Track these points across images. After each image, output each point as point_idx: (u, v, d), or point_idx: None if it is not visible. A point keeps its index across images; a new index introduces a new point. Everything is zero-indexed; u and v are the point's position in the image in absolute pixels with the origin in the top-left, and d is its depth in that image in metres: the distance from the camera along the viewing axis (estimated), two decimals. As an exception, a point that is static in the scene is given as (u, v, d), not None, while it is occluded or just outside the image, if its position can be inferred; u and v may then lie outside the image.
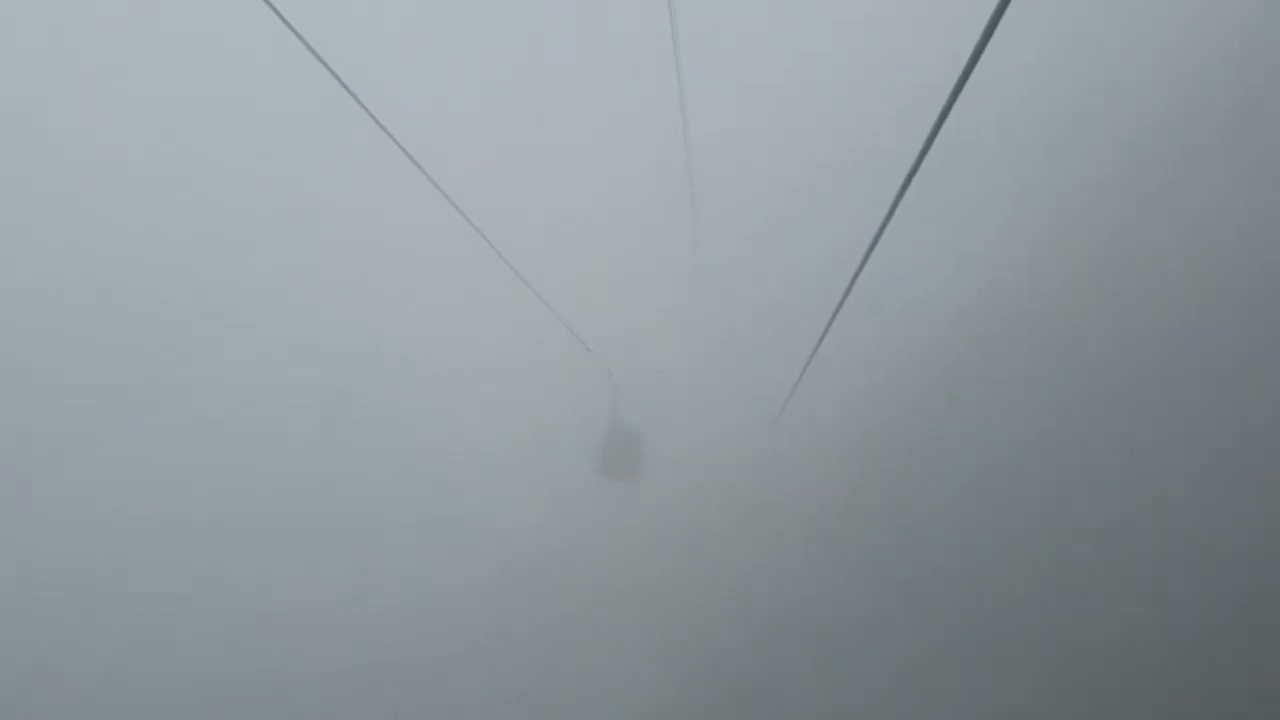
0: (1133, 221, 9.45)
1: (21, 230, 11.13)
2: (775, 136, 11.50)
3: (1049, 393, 9.50)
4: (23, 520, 10.28)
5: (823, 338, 6.87)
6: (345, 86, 4.57)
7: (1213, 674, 7.95)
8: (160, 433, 10.94)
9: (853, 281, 5.48)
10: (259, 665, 9.71)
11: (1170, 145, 9.27)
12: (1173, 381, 8.83)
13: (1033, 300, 9.94)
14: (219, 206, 11.64)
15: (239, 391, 11.42)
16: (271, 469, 11.06)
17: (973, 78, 3.23)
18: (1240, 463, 8.27)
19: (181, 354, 11.43)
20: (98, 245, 11.40)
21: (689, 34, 6.96)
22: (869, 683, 9.02)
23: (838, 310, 6.16)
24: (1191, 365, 8.75)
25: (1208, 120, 9.08)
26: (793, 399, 9.38)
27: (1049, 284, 9.87)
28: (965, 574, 9.19)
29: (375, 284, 11.73)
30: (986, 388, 9.93)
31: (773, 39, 11.47)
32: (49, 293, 11.15)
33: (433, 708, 9.76)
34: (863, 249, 5.03)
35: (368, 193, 11.34)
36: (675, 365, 11.78)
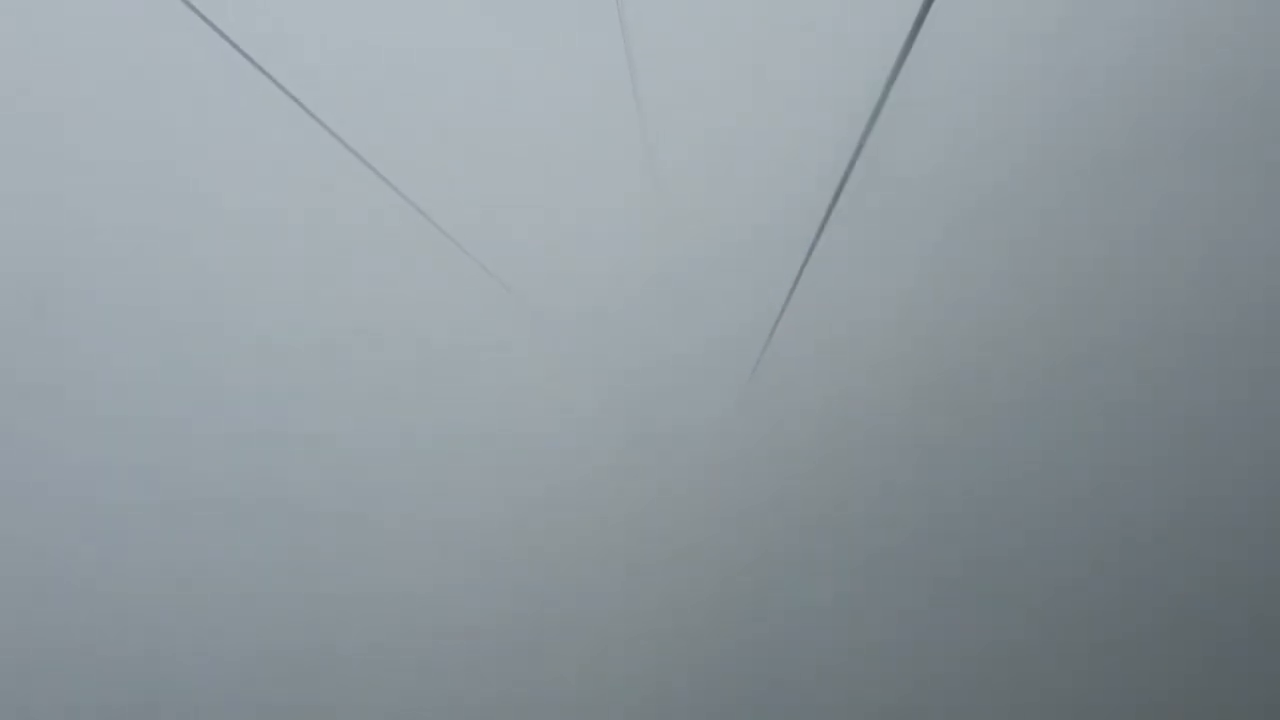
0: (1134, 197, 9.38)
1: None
2: (729, 71, 11.18)
3: (1035, 341, 9.48)
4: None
5: (791, 293, 6.80)
6: (284, 89, 4.34)
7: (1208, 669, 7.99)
8: (126, 429, 10.62)
9: (828, 213, 5.37)
10: (245, 653, 9.61)
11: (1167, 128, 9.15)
12: (1164, 350, 8.84)
13: (1006, 229, 9.86)
14: (156, 203, 11.14)
15: (208, 390, 11.09)
16: (250, 465, 10.81)
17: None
18: (1231, 442, 8.26)
19: (152, 355, 11.07)
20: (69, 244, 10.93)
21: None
22: (841, 664, 9.06)
23: (805, 263, 6.08)
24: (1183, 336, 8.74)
25: (1198, 103, 8.96)
26: (766, 355, 9.29)
27: (1023, 210, 9.79)
28: (948, 541, 9.20)
29: (328, 280, 11.37)
30: (961, 343, 9.89)
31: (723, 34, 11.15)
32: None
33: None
34: (836, 176, 4.89)
35: (311, 188, 10.89)
36: (639, 324, 11.61)
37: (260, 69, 4.33)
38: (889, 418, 10.03)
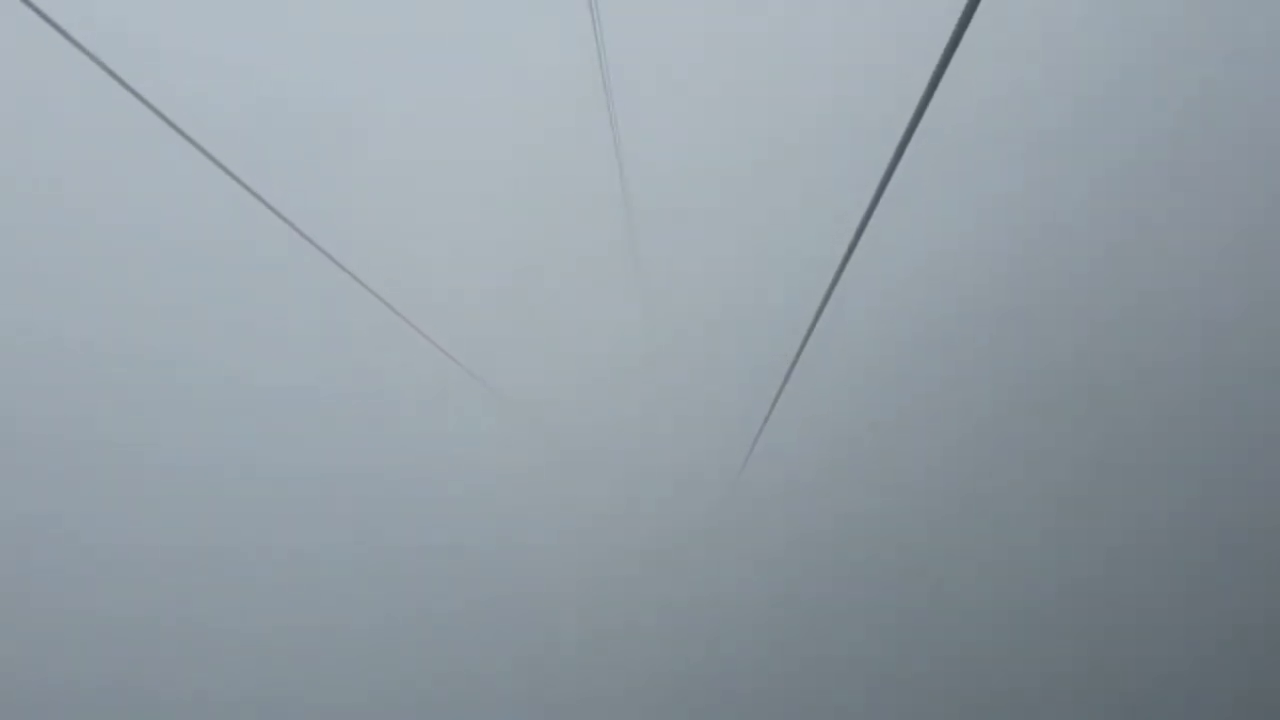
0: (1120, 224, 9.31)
1: None
2: (716, 178, 11.17)
3: (1024, 439, 9.32)
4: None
5: (785, 382, 6.50)
6: (248, 187, 4.12)
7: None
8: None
9: (816, 316, 5.10)
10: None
11: (1168, 139, 9.10)
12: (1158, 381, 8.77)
13: (1003, 328, 9.77)
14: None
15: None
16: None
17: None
18: (1234, 454, 8.25)
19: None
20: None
21: (619, 76, 6.74)
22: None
23: (796, 358, 5.80)
24: (1183, 358, 8.66)
25: (1206, 113, 8.92)
26: (757, 449, 9.01)
27: (1023, 304, 9.72)
28: (943, 660, 8.81)
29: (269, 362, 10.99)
30: (963, 436, 9.68)
31: (706, 80, 11.15)
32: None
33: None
34: (826, 279, 4.69)
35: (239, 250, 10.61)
36: (622, 419, 11.29)
37: (222, 167, 4.11)
38: (872, 520, 9.78)
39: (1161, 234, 8.86)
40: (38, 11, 3.25)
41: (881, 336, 10.28)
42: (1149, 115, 8.99)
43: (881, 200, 3.69)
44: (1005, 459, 9.39)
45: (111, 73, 3.54)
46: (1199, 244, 8.71)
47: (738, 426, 9.85)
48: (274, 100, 10.31)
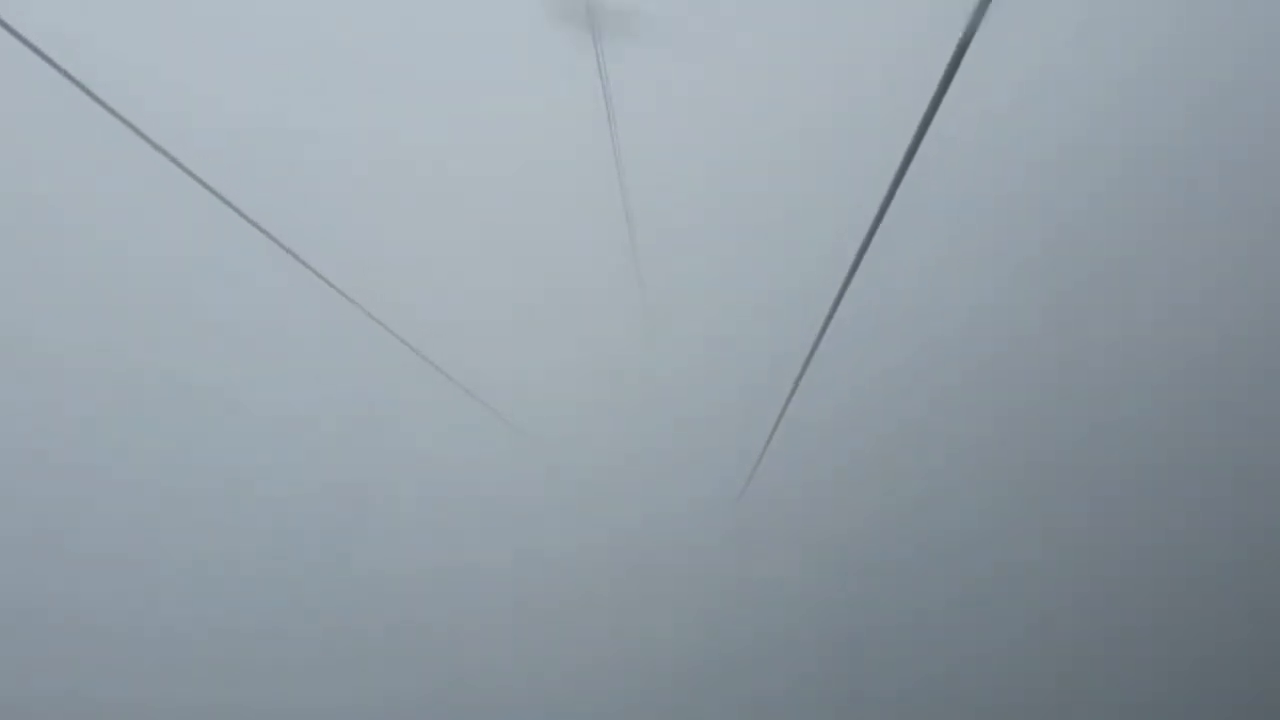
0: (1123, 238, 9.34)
1: None
2: (720, 194, 11.16)
3: (1011, 462, 9.39)
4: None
5: (784, 409, 6.52)
6: (253, 222, 4.10)
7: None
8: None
9: (816, 344, 5.11)
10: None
11: (1172, 149, 9.12)
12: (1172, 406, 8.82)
13: (1003, 369, 9.83)
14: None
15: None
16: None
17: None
18: (1235, 457, 8.31)
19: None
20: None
21: (622, 103, 6.76)
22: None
23: (800, 377, 5.81)
24: (1185, 380, 8.71)
25: (1210, 126, 8.95)
26: (756, 475, 9.06)
27: (1019, 355, 9.79)
28: (940, 684, 8.84)
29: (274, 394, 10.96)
30: (960, 462, 9.73)
31: (709, 112, 11.12)
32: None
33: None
34: (826, 305, 4.68)
35: (254, 295, 10.62)
36: (622, 439, 11.30)
37: (249, 221, 4.09)
38: (871, 543, 9.86)
39: (1171, 240, 8.88)
40: (13, 33, 3.22)
41: (886, 347, 10.30)
42: (1157, 121, 9.01)
43: (886, 212, 3.68)
44: (1007, 469, 9.43)
45: (90, 93, 3.50)
46: (1207, 249, 8.73)
47: (741, 443, 9.89)
48: (282, 137, 10.28)
